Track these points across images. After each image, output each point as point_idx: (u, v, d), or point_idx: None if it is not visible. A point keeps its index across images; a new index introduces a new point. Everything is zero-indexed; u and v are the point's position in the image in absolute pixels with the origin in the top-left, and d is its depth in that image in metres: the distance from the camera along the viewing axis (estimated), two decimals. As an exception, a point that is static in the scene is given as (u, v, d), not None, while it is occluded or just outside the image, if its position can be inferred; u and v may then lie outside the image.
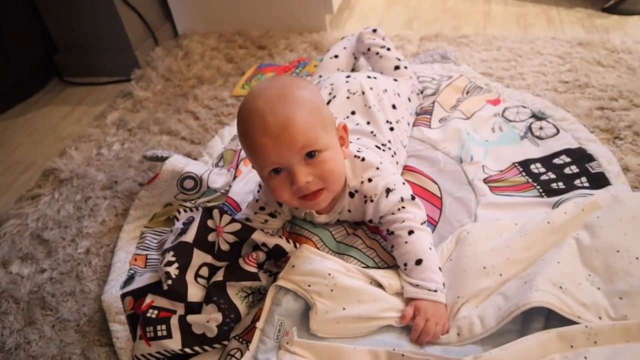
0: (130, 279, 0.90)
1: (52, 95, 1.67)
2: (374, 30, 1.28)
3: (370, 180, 0.83)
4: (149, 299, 0.81)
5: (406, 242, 0.78)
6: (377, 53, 1.23)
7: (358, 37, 1.29)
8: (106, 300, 0.87)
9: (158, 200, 1.07)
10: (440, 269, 0.78)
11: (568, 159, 1.01)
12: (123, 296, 0.86)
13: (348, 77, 1.07)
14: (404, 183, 0.85)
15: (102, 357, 0.82)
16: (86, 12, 1.60)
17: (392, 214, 0.81)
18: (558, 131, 1.08)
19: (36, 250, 1.03)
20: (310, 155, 0.75)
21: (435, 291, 0.74)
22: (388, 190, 0.82)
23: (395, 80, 1.14)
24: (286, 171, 0.75)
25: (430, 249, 0.79)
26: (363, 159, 0.85)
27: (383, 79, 1.09)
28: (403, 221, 0.80)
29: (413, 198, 0.83)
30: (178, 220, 0.97)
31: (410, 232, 0.79)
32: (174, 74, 1.58)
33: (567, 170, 0.98)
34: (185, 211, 0.99)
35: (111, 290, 0.89)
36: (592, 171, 0.97)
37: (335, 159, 0.77)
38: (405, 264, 0.78)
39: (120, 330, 0.83)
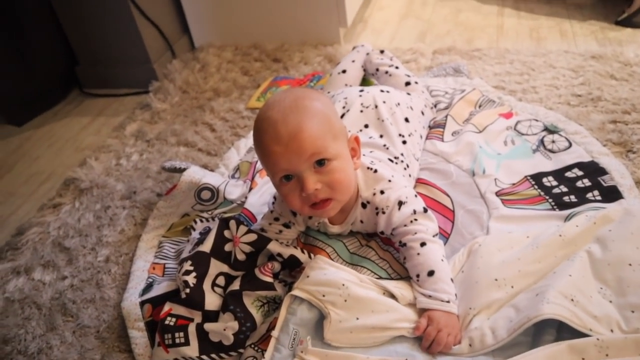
0: (148, 287, 0.92)
1: (73, 107, 1.71)
2: (382, 52, 1.31)
3: (382, 192, 0.85)
4: (167, 307, 0.83)
5: (418, 254, 0.80)
6: (386, 72, 1.26)
7: (366, 59, 1.32)
8: (125, 307, 0.90)
9: (176, 210, 1.09)
10: (452, 280, 0.79)
11: (580, 173, 1.01)
12: (142, 304, 0.88)
13: (361, 91, 1.09)
14: (415, 196, 0.87)
15: (121, 363, 0.84)
16: (106, 26, 1.64)
17: (405, 226, 0.83)
18: (570, 144, 1.09)
19: (57, 257, 1.06)
20: (320, 163, 0.77)
21: (448, 302, 0.76)
22: (400, 203, 0.84)
23: (409, 94, 1.16)
24: (296, 178, 0.78)
25: (442, 260, 0.80)
26: (375, 171, 0.87)
27: (396, 92, 1.11)
28: (415, 233, 0.81)
29: (425, 210, 0.85)
30: (195, 230, 0.99)
31: (423, 244, 0.80)
32: (191, 86, 1.61)
33: (579, 184, 0.99)
34: (201, 221, 1.01)
35: (130, 298, 0.91)
36: (605, 184, 0.97)
37: (344, 169, 0.79)
38: (418, 275, 0.79)
39: (139, 337, 0.85)
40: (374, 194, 0.86)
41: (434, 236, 0.82)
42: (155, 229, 1.07)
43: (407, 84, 1.22)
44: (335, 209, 0.82)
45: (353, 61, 1.34)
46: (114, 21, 1.62)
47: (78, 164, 1.35)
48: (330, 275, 0.79)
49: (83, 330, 0.91)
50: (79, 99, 1.75)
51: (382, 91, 1.09)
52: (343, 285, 0.77)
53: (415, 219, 0.83)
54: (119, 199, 1.19)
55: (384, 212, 0.84)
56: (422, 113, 1.15)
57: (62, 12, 1.65)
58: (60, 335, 0.90)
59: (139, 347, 0.84)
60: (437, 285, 0.77)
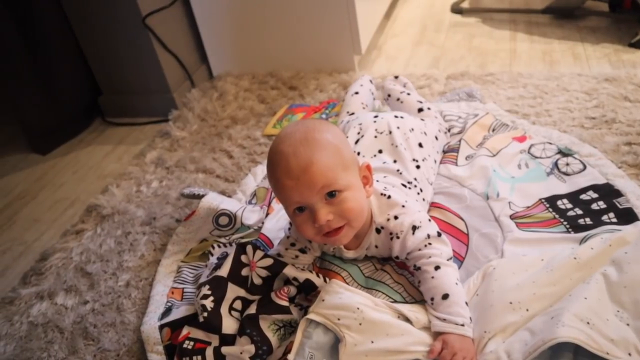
0: (167, 311, 0.94)
1: (95, 135, 1.76)
2: (396, 77, 1.35)
3: (396, 217, 0.86)
4: (185, 331, 0.85)
5: (432, 277, 0.80)
6: (398, 99, 1.29)
7: (381, 84, 1.37)
8: (145, 331, 0.91)
9: (194, 236, 1.11)
10: (467, 303, 0.79)
11: (595, 195, 1.01)
12: (161, 327, 0.90)
13: (376, 117, 1.11)
14: (429, 220, 0.88)
15: (141, 387, 0.85)
16: (128, 57, 1.71)
17: (419, 250, 0.84)
18: (585, 167, 1.09)
19: (79, 282, 1.09)
20: (331, 194, 0.79)
21: (463, 325, 0.76)
22: (414, 228, 0.85)
23: (422, 120, 1.18)
24: (308, 209, 0.80)
25: (457, 284, 0.80)
26: (389, 197, 0.88)
27: (410, 118, 1.13)
28: (430, 257, 0.82)
29: (439, 235, 0.85)
30: (212, 255, 1.01)
31: (437, 268, 0.81)
32: (209, 114, 1.66)
33: (594, 206, 0.99)
34: (219, 246, 1.03)
35: (150, 322, 0.93)
36: (620, 207, 0.97)
37: (355, 198, 0.81)
38: (432, 299, 0.80)
39: (158, 360, 0.87)
40: (388, 220, 0.87)
41: (448, 260, 0.83)
42: (174, 254, 1.09)
43: (420, 110, 1.24)
44: (348, 236, 0.84)
45: (361, 85, 1.39)
46: (135, 53, 1.69)
47: (100, 191, 1.39)
48: (345, 299, 0.80)
49: (104, 354, 0.92)
50: (101, 127, 1.80)
51: (396, 117, 1.11)
52: (358, 309, 0.78)
53: (430, 243, 0.84)
54: (139, 225, 1.22)
55: (398, 237, 0.85)
56: (436, 138, 1.16)
57: (86, 44, 1.72)
58: (81, 359, 0.92)
59: (157, 371, 0.85)
60: (451, 309, 0.77)
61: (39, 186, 1.53)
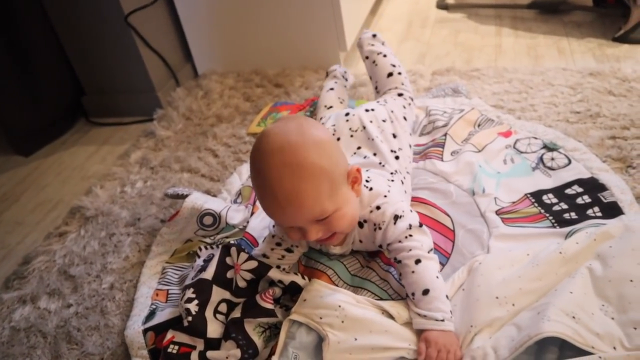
0: (151, 314, 0.93)
1: (79, 136, 1.74)
2: (374, 35, 1.35)
3: (378, 207, 0.86)
4: (169, 335, 0.83)
5: (413, 272, 0.80)
6: (374, 61, 1.30)
7: (358, 43, 1.37)
8: (129, 335, 0.90)
9: (179, 236, 1.10)
10: (447, 297, 0.79)
11: (580, 189, 1.02)
12: (145, 331, 0.89)
13: (347, 114, 1.10)
14: (411, 211, 0.87)
15: (125, 391, 0.84)
16: (111, 57, 1.68)
17: (399, 241, 0.83)
18: (570, 161, 1.09)
19: (63, 285, 1.07)
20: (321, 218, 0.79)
21: (443, 320, 0.76)
22: (396, 217, 0.84)
23: (385, 102, 1.16)
24: (297, 227, 0.80)
25: (437, 277, 0.80)
26: (371, 189, 0.88)
27: (380, 108, 1.12)
28: (410, 250, 0.81)
29: (420, 225, 0.85)
30: (199, 257, 1.00)
31: (418, 261, 0.80)
32: (194, 113, 1.64)
33: (579, 201, 0.99)
34: (206, 248, 1.02)
35: (134, 325, 0.92)
36: (605, 201, 0.97)
37: (345, 214, 0.80)
38: (413, 294, 0.79)
39: (142, 364, 0.86)
40: (371, 211, 0.86)
41: (429, 252, 0.82)
42: (159, 255, 1.08)
43: (390, 74, 1.25)
44: (339, 239, 0.87)
45: (335, 82, 1.42)
46: (118, 52, 1.66)
47: (84, 193, 1.37)
48: (326, 297, 0.79)
49: (87, 358, 0.91)
50: (85, 128, 1.78)
51: (367, 110, 1.10)
52: (339, 306, 0.77)
53: (410, 235, 0.83)
54: (124, 226, 1.20)
55: (380, 228, 0.85)
56: (405, 118, 1.15)
57: (67, 43, 1.69)
58: (64, 364, 0.90)
59: (142, 375, 0.84)
60: (431, 305, 0.77)
61: (22, 188, 1.51)
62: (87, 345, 0.93)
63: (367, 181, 0.90)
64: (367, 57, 1.33)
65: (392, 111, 1.13)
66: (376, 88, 1.30)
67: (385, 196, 0.87)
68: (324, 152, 0.77)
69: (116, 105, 1.77)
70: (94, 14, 1.60)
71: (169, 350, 0.81)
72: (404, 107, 1.18)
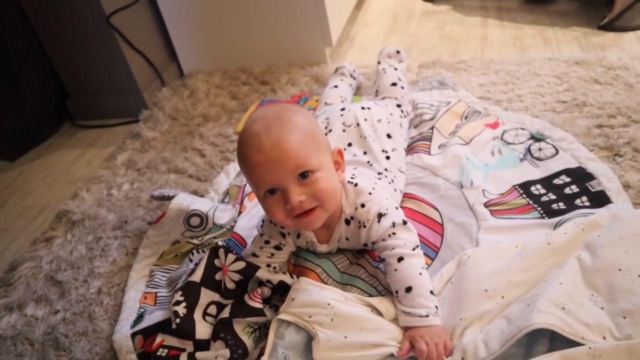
0: (139, 317, 0.92)
1: (64, 139, 1.72)
2: (398, 52, 1.42)
3: (363, 205, 0.85)
4: (159, 339, 0.83)
5: (395, 270, 0.79)
6: (383, 69, 1.35)
7: (380, 51, 1.44)
8: (117, 340, 0.89)
9: (166, 238, 1.09)
10: (433, 292, 0.78)
11: (568, 179, 1.02)
12: (133, 335, 0.88)
13: (342, 109, 1.10)
14: (396, 208, 0.86)
15: (115, 397, 0.83)
16: (95, 58, 1.66)
17: (383, 240, 0.82)
18: (557, 151, 1.09)
19: (50, 291, 1.06)
20: (304, 175, 0.77)
21: (427, 316, 0.75)
22: (380, 215, 0.84)
23: (383, 100, 1.18)
24: (280, 192, 0.78)
25: (421, 273, 0.79)
26: (356, 185, 0.87)
27: (377, 108, 1.12)
28: (393, 248, 0.81)
29: (405, 222, 0.84)
30: (192, 261, 0.99)
31: (400, 259, 0.80)
32: (180, 113, 1.62)
33: (567, 190, 0.99)
34: (198, 252, 1.01)
35: (122, 330, 0.91)
36: (593, 190, 0.97)
37: (328, 178, 0.80)
38: (397, 292, 0.79)
39: (131, 369, 0.84)
40: (356, 209, 0.86)
41: (414, 249, 0.81)
42: (146, 257, 1.07)
43: (393, 84, 1.28)
44: (320, 219, 0.82)
45: (341, 80, 1.41)
46: (102, 53, 1.64)
47: (70, 197, 1.36)
48: (314, 295, 0.79)
49: (76, 365, 0.90)
50: (71, 131, 1.76)
51: (363, 108, 1.09)
52: (329, 304, 0.77)
53: (394, 233, 0.82)
54: (111, 230, 1.19)
55: (365, 226, 0.84)
56: (401, 125, 1.16)
57: (50, 46, 1.66)
58: (53, 371, 0.89)
59: (132, 380, 0.83)
60: (414, 302, 0.76)
61: (7, 194, 1.49)
62: (75, 352, 0.91)
63: (352, 177, 0.89)
64: (379, 62, 1.39)
65: (391, 114, 1.14)
66: (376, 91, 1.32)
67: (370, 193, 0.86)
68: (312, 120, 0.83)
69: (101, 107, 1.75)
70: (75, 15, 1.57)
71: (159, 353, 0.81)
72: (401, 116, 1.20)
